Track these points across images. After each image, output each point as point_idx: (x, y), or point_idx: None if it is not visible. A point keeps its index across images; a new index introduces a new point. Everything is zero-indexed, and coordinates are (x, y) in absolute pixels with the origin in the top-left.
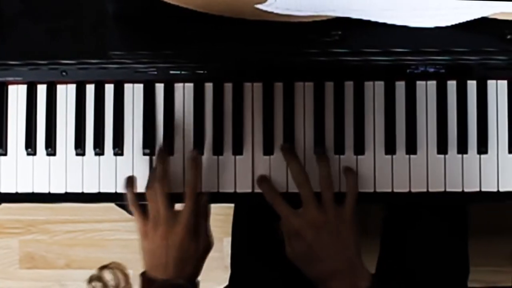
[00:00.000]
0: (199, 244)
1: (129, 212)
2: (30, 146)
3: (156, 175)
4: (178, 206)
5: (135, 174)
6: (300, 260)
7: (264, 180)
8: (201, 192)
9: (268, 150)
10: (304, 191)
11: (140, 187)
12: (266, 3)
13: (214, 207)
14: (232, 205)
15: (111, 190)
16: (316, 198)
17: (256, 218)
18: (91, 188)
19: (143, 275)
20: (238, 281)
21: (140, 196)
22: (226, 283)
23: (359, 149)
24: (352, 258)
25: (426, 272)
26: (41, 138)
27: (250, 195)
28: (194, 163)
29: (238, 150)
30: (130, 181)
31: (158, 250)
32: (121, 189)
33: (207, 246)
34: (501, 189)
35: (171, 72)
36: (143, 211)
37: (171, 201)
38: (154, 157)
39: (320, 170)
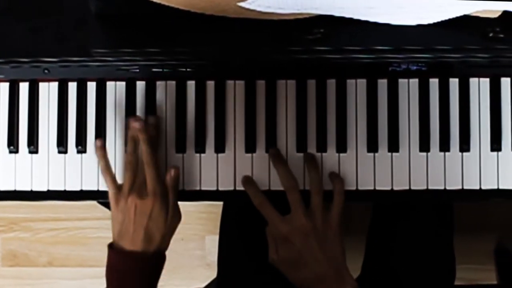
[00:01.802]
0: (167, 215)
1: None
2: (12, 143)
3: (145, 144)
4: None
5: (117, 173)
6: (285, 265)
7: (250, 184)
8: (172, 166)
9: (250, 148)
10: (293, 197)
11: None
12: (248, 1)
13: (197, 205)
14: (215, 203)
15: (93, 188)
16: (304, 203)
17: (244, 218)
18: (73, 186)
19: (111, 246)
20: (225, 281)
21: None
22: (208, 280)
23: (341, 147)
24: (338, 263)
25: (411, 273)
26: (23, 136)
27: (232, 193)
28: (142, 134)
29: (220, 148)
30: (102, 147)
31: (127, 219)
32: (103, 187)
33: (176, 218)
34: (483, 187)
35: (153, 70)
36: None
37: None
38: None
39: (310, 174)
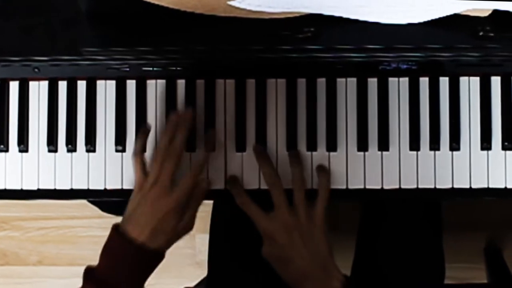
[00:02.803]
0: (181, 222)
1: (102, 209)
2: (2, 142)
3: (177, 141)
4: None
5: (107, 171)
6: (274, 262)
7: (234, 183)
8: (207, 180)
9: (240, 147)
10: (276, 194)
11: (114, 183)
12: None
13: None
14: (205, 202)
15: (84, 186)
16: (288, 200)
17: (234, 217)
18: (63, 184)
19: (116, 228)
20: (215, 280)
21: (112, 193)
22: (198, 279)
23: (332, 146)
24: (324, 259)
25: (400, 272)
26: (13, 135)
27: (223, 192)
28: (208, 147)
29: (210, 146)
30: (146, 130)
31: (143, 207)
32: (93, 185)
33: (187, 228)
34: (473, 186)
35: (144, 68)
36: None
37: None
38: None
39: (293, 170)
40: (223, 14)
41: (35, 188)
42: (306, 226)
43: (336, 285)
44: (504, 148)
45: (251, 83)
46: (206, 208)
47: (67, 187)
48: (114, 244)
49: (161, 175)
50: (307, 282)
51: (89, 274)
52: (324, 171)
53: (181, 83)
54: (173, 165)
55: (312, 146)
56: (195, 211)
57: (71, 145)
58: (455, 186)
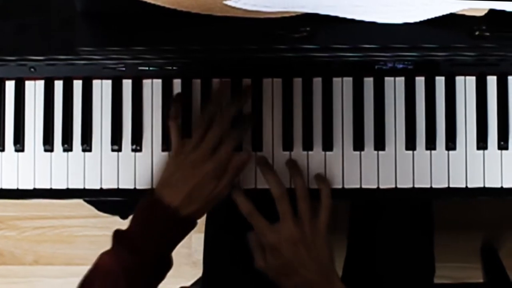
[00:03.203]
0: (216, 188)
1: (98, 209)
2: None
3: (227, 111)
4: None
5: (103, 171)
6: (275, 272)
7: (238, 193)
8: (247, 152)
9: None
10: (282, 206)
11: (110, 182)
12: None
13: None
14: None
15: (80, 186)
16: (293, 212)
17: (230, 216)
18: (59, 184)
19: (152, 192)
20: (211, 280)
21: (108, 192)
22: (194, 279)
23: (328, 145)
24: (327, 269)
25: (390, 272)
26: (9, 134)
27: None
28: (249, 120)
29: None
30: (180, 95)
31: (179, 172)
32: (89, 185)
33: (221, 195)
34: (469, 185)
35: (140, 68)
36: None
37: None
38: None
39: (295, 181)
40: (219, 14)
41: (31, 187)
42: (311, 237)
43: None
44: (500, 147)
45: (247, 83)
46: None
47: (63, 187)
48: (148, 207)
49: (203, 140)
50: None
51: (119, 236)
52: (325, 180)
53: (177, 82)
54: (218, 133)
55: (308, 145)
56: (231, 180)
57: (67, 144)
58: (451, 185)
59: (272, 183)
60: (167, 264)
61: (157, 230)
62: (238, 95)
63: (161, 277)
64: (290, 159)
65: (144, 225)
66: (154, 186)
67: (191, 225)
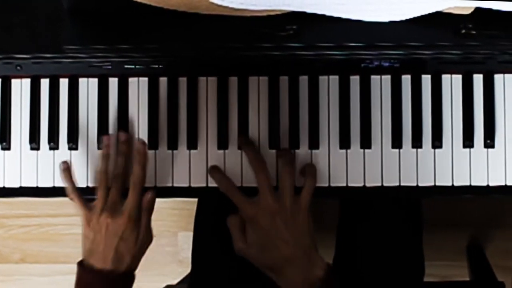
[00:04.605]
0: (139, 237)
1: None
2: None
3: (116, 165)
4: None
5: (89, 169)
6: (253, 249)
7: (216, 170)
8: (148, 188)
9: (222, 144)
10: (260, 178)
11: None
12: None
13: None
14: (188, 199)
15: (66, 184)
16: (272, 185)
17: (219, 214)
18: (45, 182)
19: (81, 263)
20: (199, 277)
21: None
22: (181, 277)
23: (314, 144)
24: (307, 246)
25: (379, 271)
26: None
27: (205, 189)
28: (140, 156)
29: (192, 144)
30: (67, 169)
31: (98, 237)
32: (77, 183)
33: (147, 240)
34: (456, 184)
35: (126, 66)
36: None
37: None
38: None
39: (282, 158)
40: (205, 12)
41: (17, 186)
42: (290, 211)
43: (318, 273)
44: (486, 145)
45: (233, 81)
46: (187, 206)
47: (50, 185)
48: (84, 279)
49: (105, 202)
50: (289, 267)
51: None
52: (311, 164)
53: (163, 80)
54: (118, 185)
55: (294, 144)
56: (149, 221)
57: (53, 143)
58: (437, 183)
59: (252, 156)
60: None
61: None
62: (118, 147)
63: None
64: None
65: None
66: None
67: (132, 278)
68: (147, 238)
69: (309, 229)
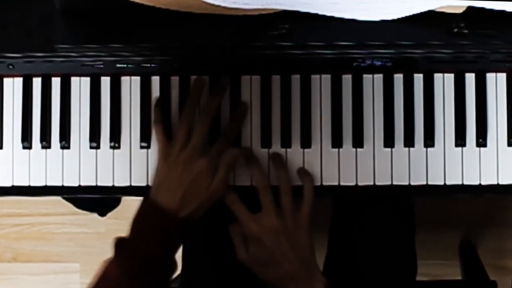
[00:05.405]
0: (211, 186)
1: (77, 206)
2: None
3: (208, 105)
4: None
5: (81, 168)
6: (256, 264)
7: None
8: (244, 148)
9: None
10: (265, 197)
11: (89, 180)
12: None
13: None
14: None
15: (58, 183)
16: (276, 203)
17: (210, 214)
18: (38, 181)
19: (147, 198)
20: (189, 278)
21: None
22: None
23: (306, 143)
24: (309, 262)
25: (371, 270)
26: None
27: None
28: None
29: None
30: (161, 100)
31: (172, 174)
32: (68, 182)
33: (217, 192)
34: (448, 183)
35: (118, 65)
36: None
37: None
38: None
39: (278, 174)
40: (198, 11)
41: (9, 185)
42: (293, 229)
43: (319, 286)
44: (478, 145)
45: (225, 80)
46: None
47: (42, 184)
48: (145, 214)
49: (186, 141)
50: (291, 283)
51: (120, 244)
52: (308, 175)
53: (155, 79)
54: (203, 129)
55: (286, 143)
56: (225, 176)
57: (46, 141)
58: (430, 183)
59: (256, 174)
60: (172, 268)
61: (158, 235)
62: (215, 88)
63: (167, 281)
64: (274, 153)
65: (144, 232)
66: (149, 187)
67: (190, 226)
68: (219, 189)
69: (310, 244)
